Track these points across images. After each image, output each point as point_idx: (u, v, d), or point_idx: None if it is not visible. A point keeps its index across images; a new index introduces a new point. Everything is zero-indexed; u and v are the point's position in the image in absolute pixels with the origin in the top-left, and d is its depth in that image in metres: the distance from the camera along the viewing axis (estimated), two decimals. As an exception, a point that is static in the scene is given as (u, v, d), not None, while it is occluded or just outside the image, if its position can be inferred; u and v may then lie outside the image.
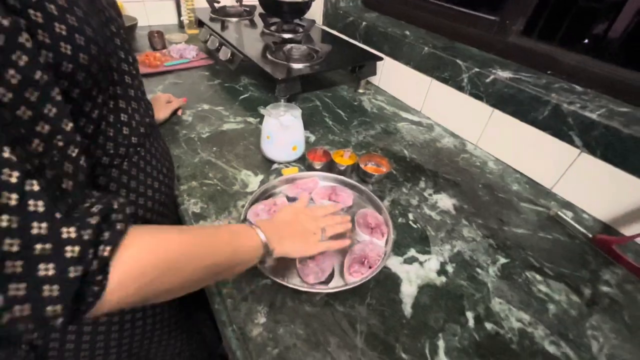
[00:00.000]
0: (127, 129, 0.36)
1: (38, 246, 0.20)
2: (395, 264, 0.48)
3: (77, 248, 0.21)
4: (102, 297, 0.22)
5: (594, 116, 0.56)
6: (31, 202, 0.20)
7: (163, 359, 0.50)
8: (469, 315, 0.43)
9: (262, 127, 0.62)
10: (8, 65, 0.20)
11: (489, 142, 0.75)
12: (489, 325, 0.42)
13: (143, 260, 0.25)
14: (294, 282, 0.42)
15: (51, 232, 0.20)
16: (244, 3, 1.21)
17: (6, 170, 0.19)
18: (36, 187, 0.20)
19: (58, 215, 0.21)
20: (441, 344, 0.39)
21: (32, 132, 0.21)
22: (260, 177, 0.61)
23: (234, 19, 1.09)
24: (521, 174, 0.69)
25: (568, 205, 0.62)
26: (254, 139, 0.70)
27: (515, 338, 0.41)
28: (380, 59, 0.91)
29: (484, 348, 0.39)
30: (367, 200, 0.56)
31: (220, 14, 1.10)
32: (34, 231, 0.20)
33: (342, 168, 0.61)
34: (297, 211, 0.45)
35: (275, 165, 0.64)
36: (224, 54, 0.89)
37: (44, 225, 0.20)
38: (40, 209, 0.20)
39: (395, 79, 0.93)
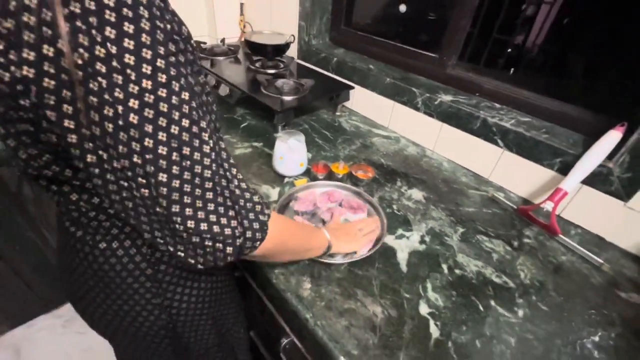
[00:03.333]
0: None
1: (249, 204, 0.38)
2: (390, 240, 0.67)
3: (259, 207, 0.39)
4: (264, 241, 0.40)
5: (508, 125, 0.81)
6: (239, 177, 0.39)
7: (227, 323, 0.63)
8: (444, 266, 0.63)
9: (275, 150, 0.79)
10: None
11: (442, 148, 0.98)
12: (457, 271, 0.62)
13: (279, 230, 0.43)
14: (325, 260, 0.60)
15: (252, 196, 0.39)
16: (226, 43, 1.37)
17: (228, 162, 0.37)
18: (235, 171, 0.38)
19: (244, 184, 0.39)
20: (428, 285, 0.59)
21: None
22: (278, 189, 0.77)
23: (221, 58, 1.26)
24: (467, 169, 0.93)
25: (501, 189, 0.87)
26: (263, 159, 0.87)
27: (474, 276, 0.62)
28: (352, 87, 1.13)
29: (456, 284, 0.60)
30: (360, 197, 0.75)
31: (209, 53, 1.26)
32: (247, 194, 0.39)
33: (339, 176, 0.80)
34: (349, 225, 0.66)
35: (286, 179, 0.81)
36: (223, 90, 1.05)
37: (247, 194, 0.39)
38: (243, 184, 0.39)
39: (365, 102, 1.15)
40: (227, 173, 0.36)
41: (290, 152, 0.78)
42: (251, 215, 0.38)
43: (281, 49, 1.15)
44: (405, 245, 0.66)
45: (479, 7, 0.88)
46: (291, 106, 0.96)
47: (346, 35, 1.26)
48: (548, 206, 0.71)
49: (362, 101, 1.16)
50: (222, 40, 1.35)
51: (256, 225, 0.38)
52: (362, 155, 0.94)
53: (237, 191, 0.37)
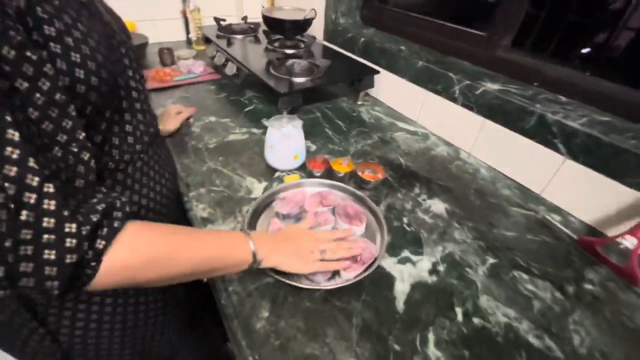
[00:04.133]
0: (132, 138, 0.40)
1: (45, 236, 0.26)
2: (389, 264, 0.51)
3: (74, 240, 0.27)
4: (94, 279, 0.29)
5: (575, 125, 0.59)
6: (45, 201, 0.25)
7: (165, 351, 0.53)
8: (458, 310, 0.46)
9: (266, 138, 0.67)
10: (35, 90, 0.25)
11: (481, 150, 0.78)
12: (476, 320, 0.45)
13: (130, 257, 0.31)
14: (298, 281, 0.46)
15: (57, 226, 0.26)
16: (248, 20, 1.27)
17: (29, 176, 0.25)
18: (51, 190, 0.26)
19: (66, 212, 0.27)
20: (431, 336, 0.42)
21: (53, 141, 0.27)
22: (264, 184, 0.65)
23: (239, 36, 1.16)
24: (512, 180, 0.73)
25: (556, 209, 0.65)
26: (258, 148, 0.75)
27: (501, 332, 0.44)
28: (377, 72, 0.96)
29: (471, 340, 0.42)
30: (362, 203, 0.60)
31: (226, 31, 1.17)
32: (44, 224, 0.25)
33: (341, 175, 0.65)
34: (300, 231, 0.49)
35: (277, 173, 0.68)
36: (230, 70, 0.95)
37: (52, 220, 0.26)
38: (52, 207, 0.26)
39: (392, 90, 0.98)
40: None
41: (284, 140, 0.65)
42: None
43: (301, 25, 1.02)
44: (408, 274, 0.50)
45: None
46: (299, 88, 0.82)
47: (379, 12, 1.09)
48: (628, 242, 0.50)
49: (389, 89, 0.99)
50: (244, 18, 1.25)
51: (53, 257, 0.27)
52: (377, 152, 0.78)
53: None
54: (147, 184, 0.44)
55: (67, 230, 0.27)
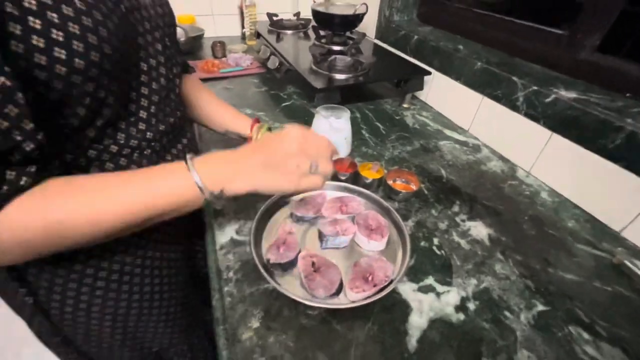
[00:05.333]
0: (144, 125, 0.38)
1: None
2: (407, 290, 0.44)
3: None
4: None
5: (682, 149, 0.45)
6: None
7: (157, 344, 0.51)
8: (486, 364, 0.37)
9: (314, 123, 0.64)
10: None
11: (544, 170, 0.65)
12: (509, 381, 0.35)
13: (24, 227, 0.27)
14: (297, 293, 0.41)
15: None
16: (301, 17, 1.26)
17: None
18: None
19: None
20: (445, 390, 0.34)
21: None
22: (285, 182, 0.61)
23: (290, 32, 1.14)
24: (582, 210, 0.59)
25: (639, 254, 0.51)
26: (286, 144, 0.71)
27: (542, 403, 0.34)
28: (428, 73, 0.86)
29: (498, 407, 0.33)
30: (387, 216, 0.53)
31: (277, 26, 1.16)
32: None
33: (368, 181, 0.59)
34: (283, 136, 0.38)
35: (301, 172, 0.64)
36: (272, 63, 0.93)
37: None
38: None
39: (444, 94, 0.88)
40: None
41: (332, 132, 0.61)
42: None
43: (350, 20, 0.97)
44: (429, 306, 0.42)
45: None
46: (338, 85, 0.77)
47: (440, 8, 0.99)
48: None
49: (440, 92, 0.89)
50: (297, 14, 1.24)
51: None
52: (415, 160, 0.69)
53: None
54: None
55: None
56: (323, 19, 0.99)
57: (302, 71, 0.82)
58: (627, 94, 0.59)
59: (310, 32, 1.16)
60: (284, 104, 0.89)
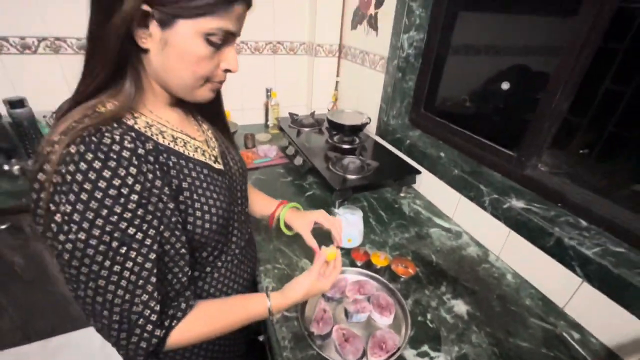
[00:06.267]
0: (234, 245, 0.62)
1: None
2: (409, 355, 0.62)
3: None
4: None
5: (589, 253, 0.68)
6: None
7: None
8: (465, 410, 0.54)
9: None
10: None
11: (509, 256, 0.87)
12: (480, 422, 0.53)
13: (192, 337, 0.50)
14: (334, 358, 0.59)
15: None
16: (316, 115, 1.57)
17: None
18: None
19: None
20: None
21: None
22: (315, 266, 0.82)
23: (307, 129, 1.44)
24: (536, 289, 0.80)
25: (576, 327, 0.71)
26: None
27: None
28: (419, 172, 1.13)
29: None
30: (392, 295, 0.73)
31: (297, 124, 1.46)
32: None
33: (378, 268, 0.80)
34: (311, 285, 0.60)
35: (327, 258, 0.85)
36: (298, 161, 1.19)
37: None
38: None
39: (432, 188, 1.13)
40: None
41: (347, 225, 0.84)
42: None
43: (357, 128, 1.26)
44: (425, 368, 0.60)
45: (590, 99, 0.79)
46: (351, 185, 1.02)
47: (425, 118, 1.29)
48: (633, 375, 0.55)
49: (429, 186, 1.14)
50: (312, 113, 1.55)
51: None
52: (412, 247, 0.91)
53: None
54: (228, 277, 0.62)
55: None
56: (336, 126, 1.28)
57: (321, 170, 1.08)
58: (559, 204, 0.83)
59: (324, 130, 1.45)
60: (307, 194, 1.13)
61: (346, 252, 0.85)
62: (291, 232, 0.79)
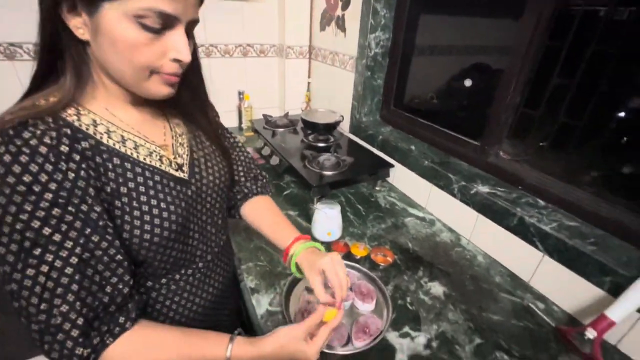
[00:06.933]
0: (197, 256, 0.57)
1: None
2: (392, 337, 0.65)
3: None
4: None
5: (547, 228, 0.74)
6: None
7: None
8: (445, 382, 0.58)
9: (314, 216, 0.89)
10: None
11: (479, 239, 0.93)
12: (459, 391, 0.56)
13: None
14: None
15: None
16: (289, 115, 1.58)
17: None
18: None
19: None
20: (421, 401, 0.55)
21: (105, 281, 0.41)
22: (297, 261, 0.83)
23: (282, 129, 1.45)
24: (505, 267, 0.86)
25: (541, 298, 0.77)
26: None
27: (480, 403, 0.55)
28: (392, 166, 1.17)
29: (454, 408, 0.54)
30: (373, 283, 0.75)
31: (271, 125, 1.46)
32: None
33: (358, 258, 0.82)
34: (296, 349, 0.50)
35: (308, 252, 0.86)
36: (274, 161, 1.20)
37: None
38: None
39: (405, 180, 1.18)
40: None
41: (326, 219, 0.86)
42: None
43: (331, 126, 1.29)
44: (407, 347, 0.63)
45: (540, 92, 0.85)
46: (328, 181, 1.04)
47: (395, 115, 1.34)
48: (590, 334, 0.61)
49: (403, 178, 1.19)
50: (286, 114, 1.57)
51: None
52: (389, 236, 0.95)
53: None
54: (189, 291, 0.56)
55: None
56: (310, 125, 1.30)
57: (298, 168, 1.09)
58: (519, 187, 0.89)
59: (299, 129, 1.47)
60: (285, 192, 1.14)
61: (327, 246, 0.87)
62: (303, 275, 0.62)
